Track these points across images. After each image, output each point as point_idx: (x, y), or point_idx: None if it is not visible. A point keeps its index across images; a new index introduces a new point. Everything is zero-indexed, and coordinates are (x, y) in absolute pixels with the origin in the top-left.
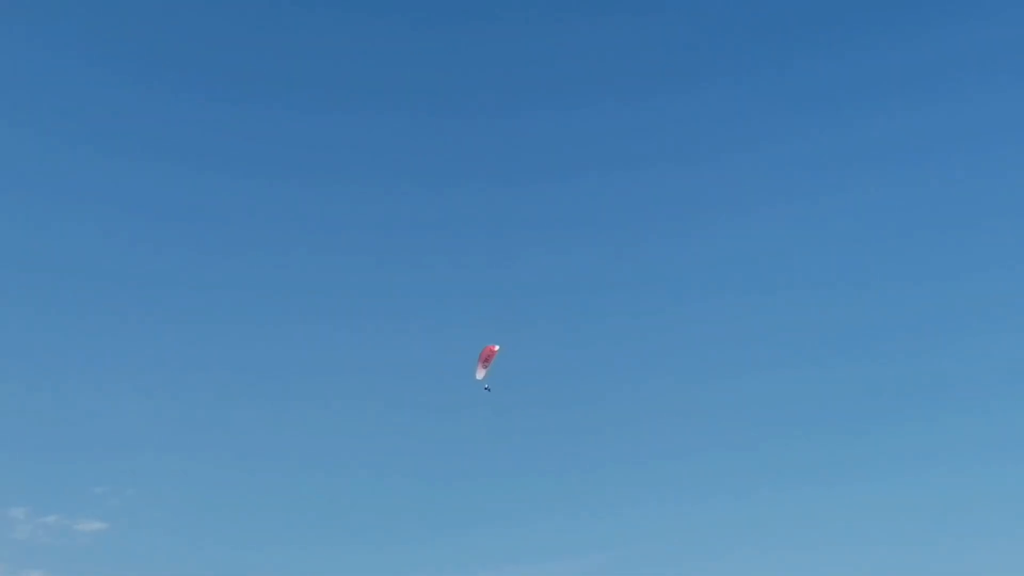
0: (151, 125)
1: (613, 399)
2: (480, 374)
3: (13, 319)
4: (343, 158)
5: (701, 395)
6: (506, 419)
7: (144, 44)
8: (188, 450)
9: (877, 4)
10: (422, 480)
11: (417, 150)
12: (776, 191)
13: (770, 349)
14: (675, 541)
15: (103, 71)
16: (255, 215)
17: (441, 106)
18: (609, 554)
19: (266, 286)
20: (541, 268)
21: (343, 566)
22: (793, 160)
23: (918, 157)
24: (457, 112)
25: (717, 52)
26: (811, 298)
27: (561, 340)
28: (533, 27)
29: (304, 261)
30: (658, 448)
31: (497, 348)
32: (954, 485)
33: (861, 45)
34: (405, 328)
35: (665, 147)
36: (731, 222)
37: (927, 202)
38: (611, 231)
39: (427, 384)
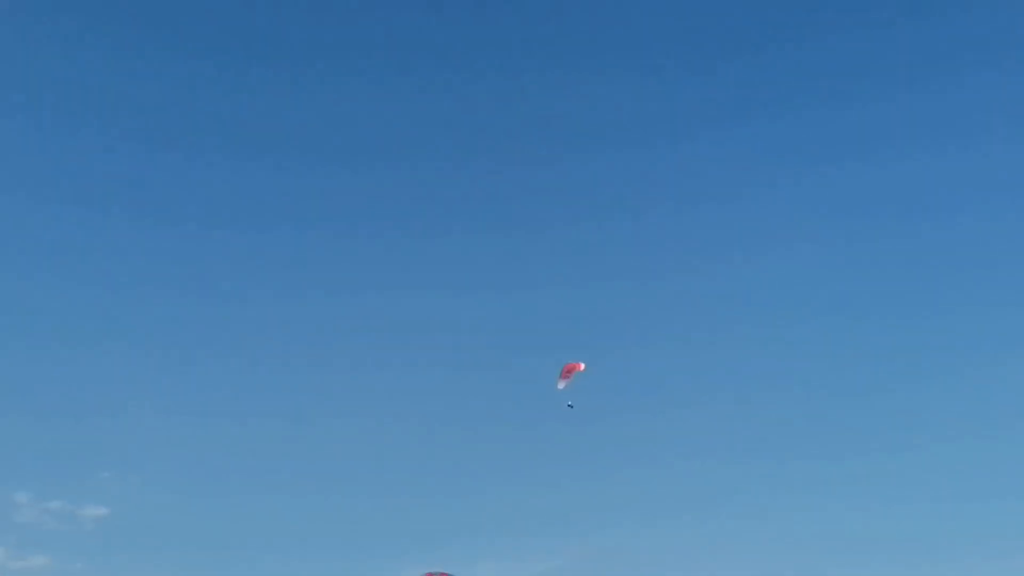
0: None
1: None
2: (560, 385)
3: (18, 303)
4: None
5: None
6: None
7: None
8: (191, 436)
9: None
10: (413, 485)
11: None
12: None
13: (763, 375)
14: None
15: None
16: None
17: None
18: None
19: (279, 270)
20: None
21: (344, 558)
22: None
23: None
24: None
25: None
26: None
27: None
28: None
29: (316, 249)
30: (628, 457)
31: (582, 367)
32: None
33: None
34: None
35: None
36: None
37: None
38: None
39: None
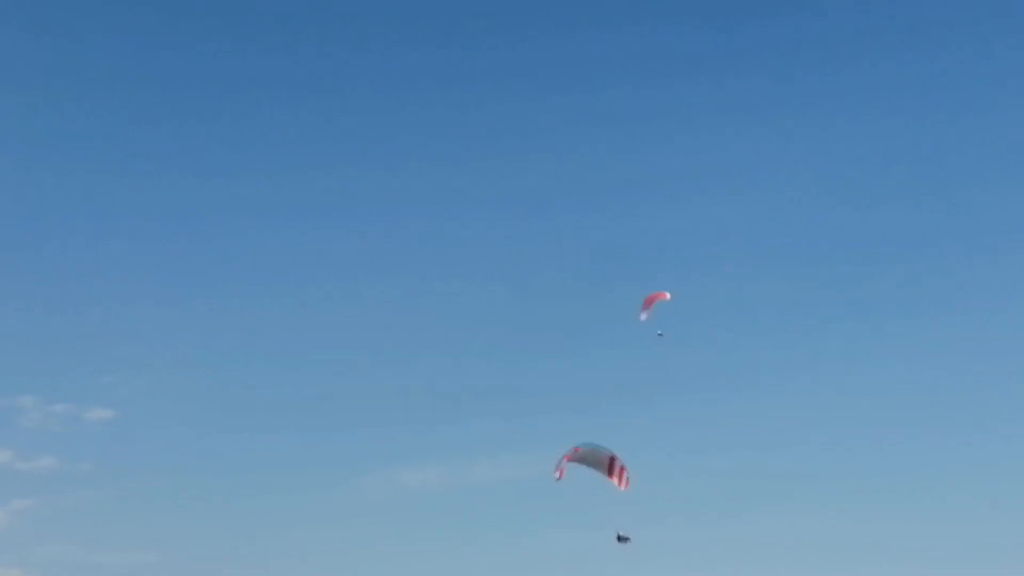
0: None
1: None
2: (643, 316)
3: (19, 207)
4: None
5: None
6: (501, 310)
7: None
8: (197, 339)
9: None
10: (425, 365)
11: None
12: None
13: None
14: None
15: None
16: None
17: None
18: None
19: (283, 169)
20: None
21: (354, 453)
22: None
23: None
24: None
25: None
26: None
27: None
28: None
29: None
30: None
31: (667, 296)
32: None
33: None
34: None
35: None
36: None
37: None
38: None
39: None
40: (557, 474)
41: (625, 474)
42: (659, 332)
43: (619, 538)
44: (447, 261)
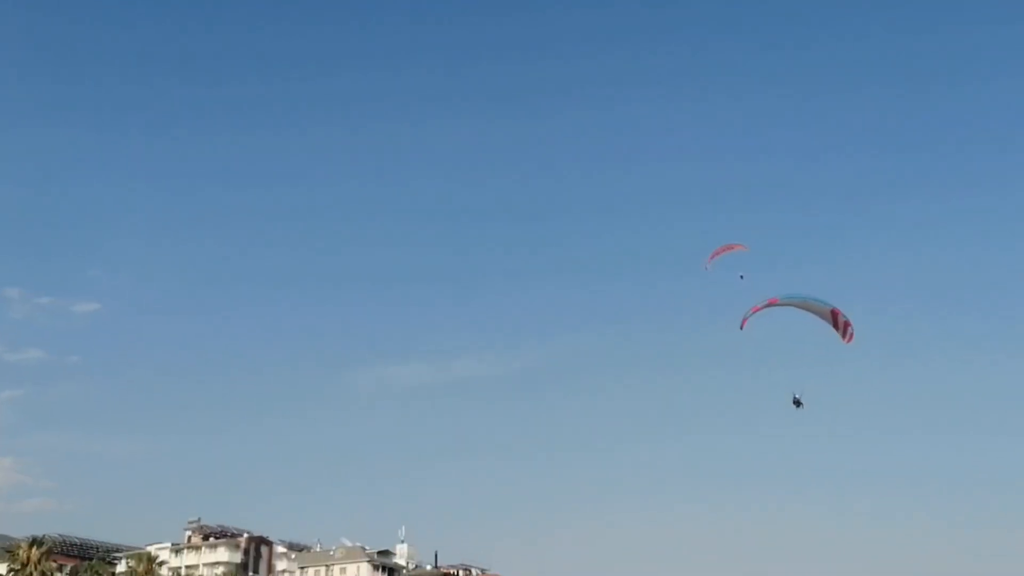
0: None
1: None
2: (707, 266)
3: (7, 103)
4: None
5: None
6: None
7: None
8: (180, 232)
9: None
10: (411, 272)
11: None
12: None
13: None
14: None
15: None
16: None
17: None
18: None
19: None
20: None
21: (347, 350)
22: None
23: None
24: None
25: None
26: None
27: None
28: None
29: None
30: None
31: (744, 247)
32: None
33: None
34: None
35: None
36: None
37: None
38: None
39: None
40: (742, 323)
41: (850, 329)
42: (740, 275)
43: (796, 402)
44: (441, 203)
